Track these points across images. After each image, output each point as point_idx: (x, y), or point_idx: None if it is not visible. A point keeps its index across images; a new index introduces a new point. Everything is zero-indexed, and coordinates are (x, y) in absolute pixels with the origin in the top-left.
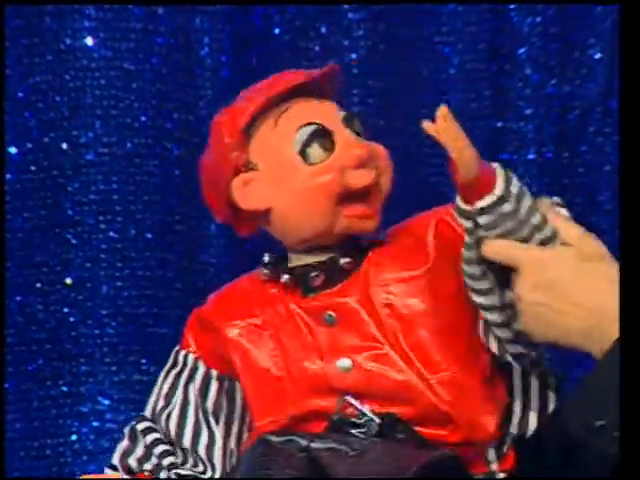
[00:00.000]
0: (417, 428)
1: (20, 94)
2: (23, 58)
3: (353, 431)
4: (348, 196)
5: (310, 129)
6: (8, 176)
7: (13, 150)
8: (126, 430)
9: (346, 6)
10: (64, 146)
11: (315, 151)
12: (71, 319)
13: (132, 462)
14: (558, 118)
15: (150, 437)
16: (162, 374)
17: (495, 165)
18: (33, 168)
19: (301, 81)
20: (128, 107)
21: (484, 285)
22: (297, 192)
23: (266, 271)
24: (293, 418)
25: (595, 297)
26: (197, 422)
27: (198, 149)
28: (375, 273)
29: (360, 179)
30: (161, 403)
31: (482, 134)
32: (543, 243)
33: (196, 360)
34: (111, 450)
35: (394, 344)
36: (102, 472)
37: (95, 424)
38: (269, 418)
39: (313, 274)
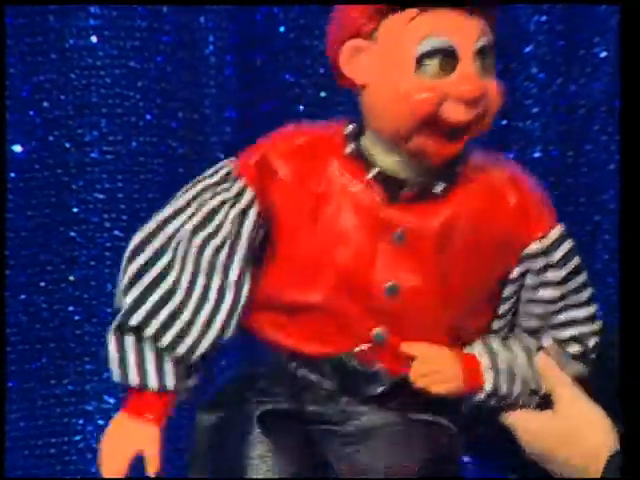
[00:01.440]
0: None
1: (24, 93)
2: (27, 57)
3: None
4: (437, 124)
5: (438, 43)
6: (12, 175)
7: (18, 149)
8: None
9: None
10: (68, 145)
11: (431, 67)
12: (76, 317)
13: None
14: (564, 117)
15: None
16: (200, 185)
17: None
18: (37, 167)
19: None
20: (133, 106)
21: None
22: (392, 91)
23: (350, 149)
24: (316, 307)
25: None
26: (231, 261)
27: (203, 148)
28: (465, 214)
29: (456, 114)
30: (198, 219)
31: (488, 133)
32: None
33: (253, 199)
34: None
35: (446, 284)
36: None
37: (100, 423)
38: (294, 290)
39: (406, 189)
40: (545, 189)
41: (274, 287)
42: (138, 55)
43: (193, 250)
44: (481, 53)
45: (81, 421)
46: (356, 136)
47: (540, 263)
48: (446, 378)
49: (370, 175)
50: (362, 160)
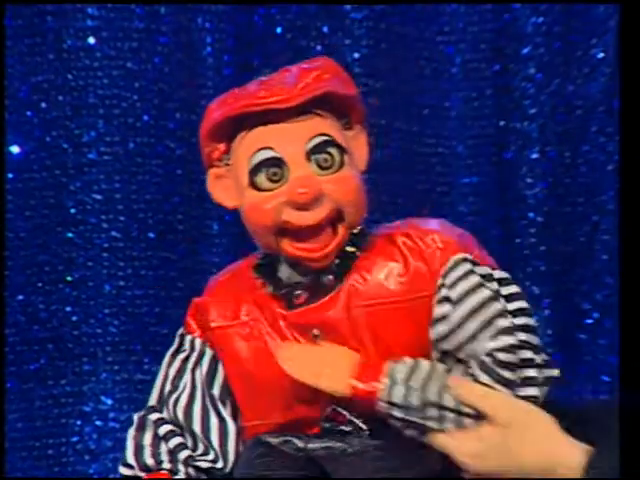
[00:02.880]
0: None
1: (22, 93)
2: (25, 57)
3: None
4: (290, 231)
5: (262, 156)
6: (10, 175)
7: (15, 149)
8: (135, 419)
9: (348, 6)
10: (66, 145)
11: (261, 179)
12: (73, 318)
13: (148, 460)
14: (561, 117)
15: (163, 429)
16: (167, 358)
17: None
18: (35, 167)
19: (289, 105)
20: (130, 106)
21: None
22: (245, 209)
23: (257, 274)
24: (281, 425)
25: (536, 459)
26: (205, 407)
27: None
28: (359, 291)
29: (299, 219)
30: (168, 387)
31: (485, 133)
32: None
33: (203, 344)
34: (114, 449)
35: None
36: (104, 471)
37: (98, 423)
38: (257, 421)
39: (296, 293)
40: (543, 189)
41: (245, 419)
42: (136, 56)
43: (171, 413)
44: (314, 152)
45: (79, 422)
46: (266, 256)
47: (441, 292)
48: (334, 376)
49: (268, 290)
50: (264, 275)
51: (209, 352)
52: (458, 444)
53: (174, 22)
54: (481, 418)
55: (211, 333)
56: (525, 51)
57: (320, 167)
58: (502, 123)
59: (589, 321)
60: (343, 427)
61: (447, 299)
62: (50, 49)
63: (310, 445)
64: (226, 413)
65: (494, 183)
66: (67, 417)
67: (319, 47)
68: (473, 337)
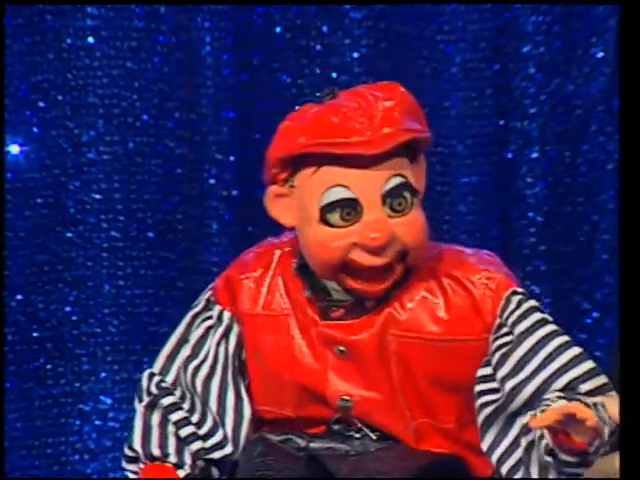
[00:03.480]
0: None
1: (22, 93)
2: (25, 57)
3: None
4: (352, 267)
5: (337, 195)
6: (9, 175)
7: (15, 149)
8: (145, 392)
9: (347, 5)
10: (66, 145)
11: (334, 218)
12: (73, 318)
13: (155, 450)
14: (561, 117)
15: (176, 416)
16: (188, 318)
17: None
18: (35, 167)
19: (374, 152)
20: (130, 106)
21: None
22: (310, 240)
23: (296, 264)
24: (290, 418)
25: None
26: (224, 384)
27: (200, 148)
28: (397, 320)
29: (368, 261)
30: (187, 352)
31: (484, 133)
32: None
33: (231, 319)
34: (113, 449)
35: (396, 391)
36: (104, 470)
37: (97, 423)
38: (267, 407)
39: (334, 308)
40: (543, 189)
41: (255, 402)
42: (135, 55)
43: (188, 380)
44: (390, 195)
45: (78, 421)
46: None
47: (501, 330)
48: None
49: (306, 294)
50: (305, 277)
51: (236, 328)
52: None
53: (173, 22)
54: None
55: (240, 314)
56: (525, 50)
57: (393, 210)
58: (502, 122)
59: (589, 320)
60: (352, 433)
61: (509, 334)
62: (50, 48)
63: (312, 445)
64: (244, 393)
65: (494, 183)
66: (66, 416)
67: (319, 47)
68: (541, 368)
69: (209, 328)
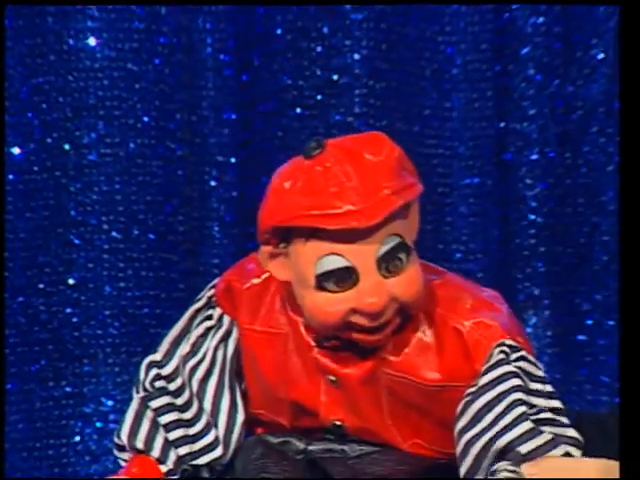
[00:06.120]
0: None
1: (23, 95)
2: (26, 59)
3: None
4: (355, 327)
5: (332, 265)
6: (11, 177)
7: (16, 151)
8: (141, 377)
9: (348, 6)
10: (67, 147)
11: (330, 285)
12: (74, 320)
13: (139, 444)
14: (561, 118)
15: (165, 418)
16: (190, 312)
17: None
18: (36, 169)
19: (367, 225)
20: (131, 107)
21: None
22: (307, 303)
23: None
24: (285, 427)
25: None
26: (220, 386)
27: (201, 149)
28: (389, 361)
29: (366, 322)
30: (187, 348)
31: (485, 134)
32: None
33: (231, 323)
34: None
35: (386, 420)
36: (105, 472)
37: (98, 425)
38: (265, 411)
39: (328, 339)
40: (543, 190)
41: (252, 405)
42: (136, 57)
43: (186, 377)
44: (385, 260)
45: (79, 423)
46: None
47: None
48: None
49: (304, 320)
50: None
51: (236, 333)
52: None
53: (174, 23)
54: None
55: (240, 323)
56: (525, 51)
57: (388, 271)
58: (502, 124)
59: (589, 322)
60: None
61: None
62: (51, 50)
63: (310, 447)
64: (239, 398)
65: (494, 184)
66: (68, 418)
67: (319, 48)
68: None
69: (209, 329)
